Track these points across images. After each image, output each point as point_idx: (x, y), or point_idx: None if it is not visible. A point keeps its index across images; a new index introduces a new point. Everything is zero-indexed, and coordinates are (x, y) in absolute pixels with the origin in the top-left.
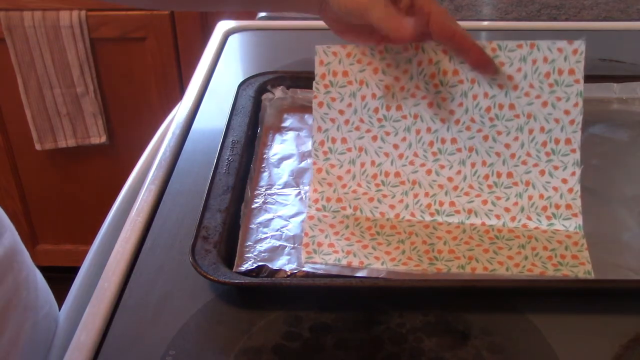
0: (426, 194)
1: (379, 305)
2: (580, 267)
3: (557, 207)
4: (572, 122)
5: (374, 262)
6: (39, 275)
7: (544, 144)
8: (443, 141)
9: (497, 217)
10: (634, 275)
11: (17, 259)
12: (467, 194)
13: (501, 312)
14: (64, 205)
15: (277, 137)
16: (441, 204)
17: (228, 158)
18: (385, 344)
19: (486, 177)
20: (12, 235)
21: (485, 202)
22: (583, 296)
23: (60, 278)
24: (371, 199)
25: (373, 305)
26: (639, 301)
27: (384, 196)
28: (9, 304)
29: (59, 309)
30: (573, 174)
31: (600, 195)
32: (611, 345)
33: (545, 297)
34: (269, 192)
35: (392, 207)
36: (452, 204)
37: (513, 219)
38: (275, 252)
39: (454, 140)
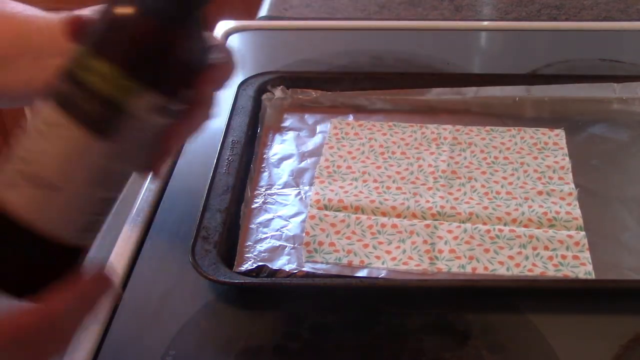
0: (427, 204)
1: (379, 305)
2: (581, 267)
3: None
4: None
5: (374, 261)
6: None
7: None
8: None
9: (499, 219)
10: (634, 275)
11: None
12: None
13: (501, 312)
14: None
15: (277, 137)
16: (442, 207)
17: (228, 158)
18: (385, 344)
19: (486, 193)
20: None
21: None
22: (583, 296)
23: None
24: (372, 201)
25: (373, 305)
26: (639, 301)
27: (386, 200)
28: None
29: None
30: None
31: (600, 195)
32: (611, 345)
33: (545, 297)
34: (269, 192)
35: (393, 208)
36: (453, 207)
37: (514, 222)
38: (275, 252)
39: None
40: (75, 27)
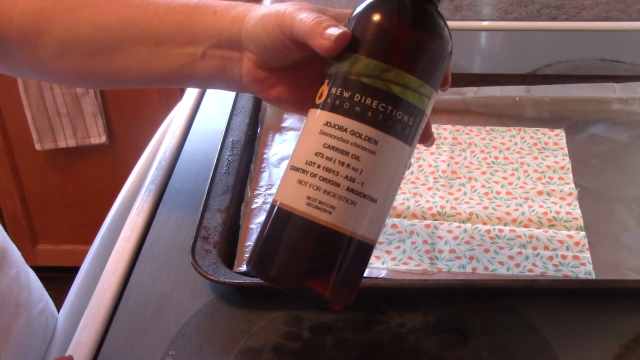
0: (427, 204)
1: (379, 305)
2: (581, 267)
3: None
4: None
5: (374, 261)
6: (31, 274)
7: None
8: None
9: (499, 219)
10: (634, 275)
11: (7, 257)
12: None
13: (501, 312)
14: (64, 205)
15: (277, 137)
16: (442, 207)
17: (228, 158)
18: (385, 344)
19: (486, 193)
20: (0, 234)
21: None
22: (583, 296)
23: (60, 278)
24: None
25: (373, 305)
26: (639, 301)
27: None
28: (0, 301)
29: (59, 309)
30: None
31: (600, 195)
32: (611, 345)
33: (545, 297)
34: (269, 192)
35: (393, 208)
36: (453, 207)
37: (514, 222)
38: None
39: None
40: (346, 42)
